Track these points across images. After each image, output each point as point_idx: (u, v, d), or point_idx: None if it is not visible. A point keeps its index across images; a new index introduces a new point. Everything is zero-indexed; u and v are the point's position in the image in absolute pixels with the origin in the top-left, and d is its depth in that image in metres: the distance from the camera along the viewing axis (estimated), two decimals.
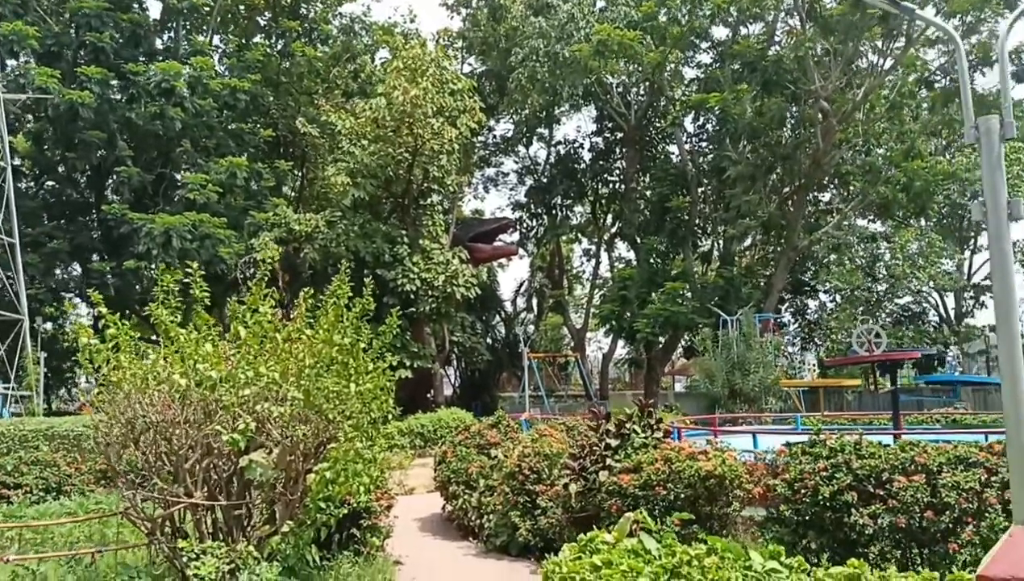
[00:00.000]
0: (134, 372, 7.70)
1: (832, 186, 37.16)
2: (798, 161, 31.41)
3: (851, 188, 35.02)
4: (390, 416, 8.81)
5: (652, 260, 34.39)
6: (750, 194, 30.38)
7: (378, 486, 8.78)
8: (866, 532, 7.38)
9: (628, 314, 32.16)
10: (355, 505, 8.23)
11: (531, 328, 47.57)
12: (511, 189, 43.17)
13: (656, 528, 7.24)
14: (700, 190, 34.63)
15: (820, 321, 38.49)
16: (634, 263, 38.57)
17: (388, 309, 8.84)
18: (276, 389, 8.11)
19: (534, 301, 46.99)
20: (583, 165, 40.47)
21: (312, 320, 8.73)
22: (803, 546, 7.76)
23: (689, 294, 31.71)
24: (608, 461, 8.92)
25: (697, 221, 35.08)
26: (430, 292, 28.38)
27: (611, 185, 40.72)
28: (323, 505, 7.54)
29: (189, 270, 8.17)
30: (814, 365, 23.30)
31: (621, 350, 47.97)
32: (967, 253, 40.21)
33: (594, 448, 9.20)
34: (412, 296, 28.16)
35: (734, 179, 30.83)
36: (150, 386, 7.62)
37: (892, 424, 12.94)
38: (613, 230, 42.73)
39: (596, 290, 43.00)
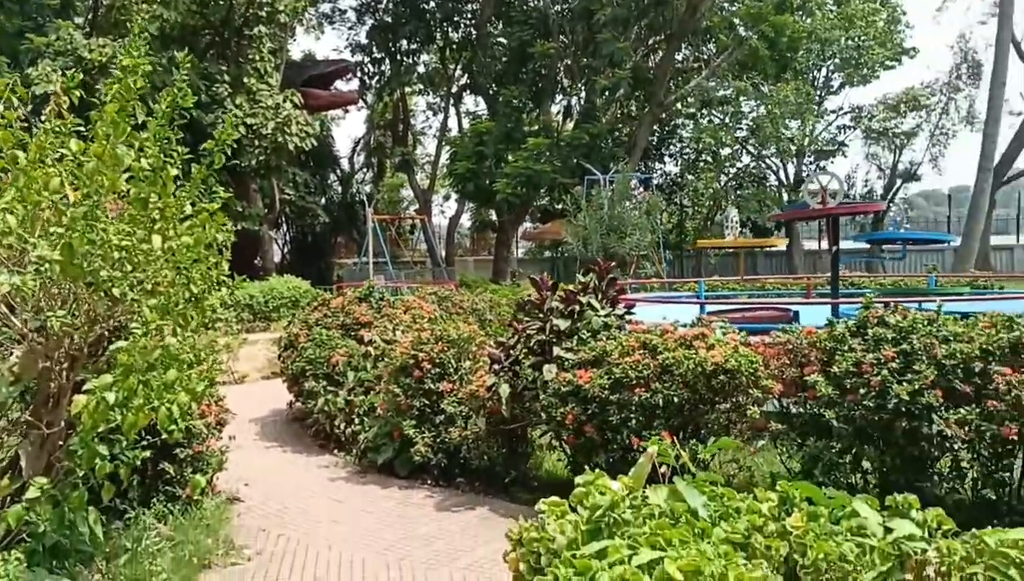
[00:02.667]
0: None
1: (687, 42, 35.16)
2: (672, 7, 28.81)
3: (712, 43, 33.17)
4: (223, 288, 5.53)
5: (509, 113, 31.19)
6: (621, 41, 27.59)
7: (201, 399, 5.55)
8: (947, 445, 5.13)
9: (485, 172, 29.15)
10: (166, 437, 4.96)
11: (369, 188, 43.61)
12: (350, 28, 37.89)
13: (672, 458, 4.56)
14: (563, 38, 31.45)
15: (680, 183, 37.26)
16: (486, 117, 35.28)
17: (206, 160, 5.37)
18: (15, 245, 4.60)
19: (374, 159, 42.82)
20: (432, 4, 35.92)
21: (84, 130, 5.14)
22: (852, 465, 5.44)
23: (548, 152, 29.06)
24: (556, 351, 6.13)
25: (559, 71, 32.04)
26: (257, 141, 24.03)
27: (463, 29, 36.56)
28: (103, 449, 4.26)
29: None
30: (737, 222, 21.61)
31: (465, 214, 45.31)
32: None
33: (529, 333, 6.36)
34: (235, 145, 23.64)
35: (604, 24, 27.88)
36: None
37: (831, 291, 11.04)
38: (463, 82, 38.88)
39: (444, 147, 39.39)
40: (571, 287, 6.48)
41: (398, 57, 36.44)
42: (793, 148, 35.99)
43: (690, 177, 38.47)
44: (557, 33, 30.77)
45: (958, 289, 13.22)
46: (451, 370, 7.16)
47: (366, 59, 37.15)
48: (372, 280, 11.26)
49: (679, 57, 34.80)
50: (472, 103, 42.20)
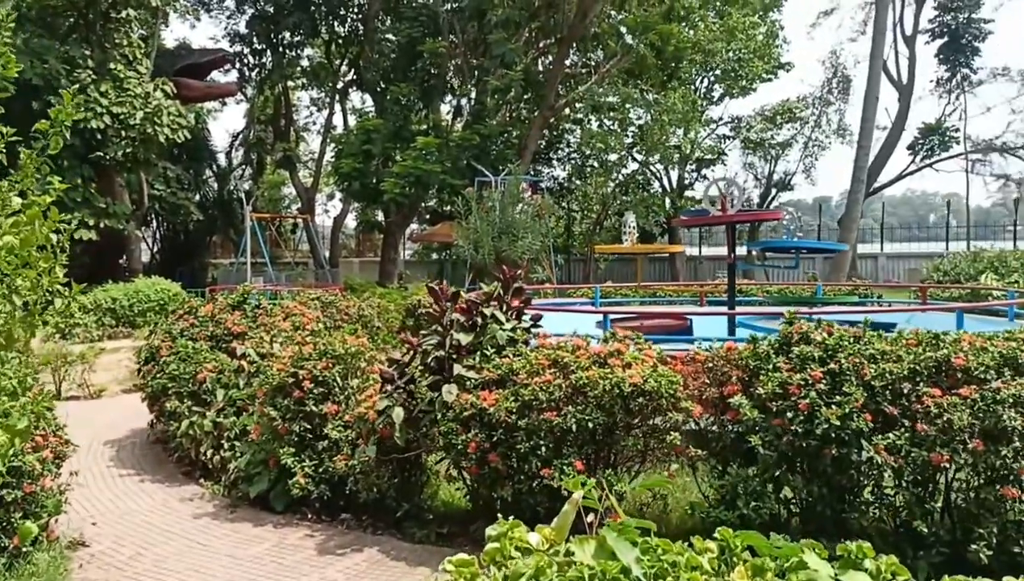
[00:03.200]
0: None
1: (576, 48, 35.25)
2: (563, 11, 28.68)
3: (602, 49, 33.36)
4: (57, 299, 4.60)
5: (397, 111, 30.29)
6: (513, 42, 27.25)
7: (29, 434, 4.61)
8: (873, 473, 4.80)
9: (373, 171, 28.17)
10: None
11: (248, 185, 41.64)
12: (228, 16, 35.93)
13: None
14: (453, 37, 30.83)
15: (568, 187, 37.29)
16: (373, 115, 34.22)
17: (68, 152, 4.45)
18: None
19: (253, 155, 40.84)
20: None
21: None
22: (774, 495, 5.03)
23: (437, 152, 28.37)
24: (457, 369, 5.48)
25: (449, 70, 31.39)
26: (124, 132, 22.32)
27: (349, 23, 35.31)
28: None
29: None
30: (634, 227, 21.34)
31: (350, 214, 43.95)
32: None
33: (427, 349, 5.69)
34: (99, 136, 21.97)
35: (495, 24, 27.46)
36: None
37: (728, 302, 10.85)
38: (349, 78, 37.60)
39: (329, 145, 37.93)
40: (471, 295, 5.85)
41: (280, 49, 34.84)
42: (677, 156, 36.64)
43: (577, 182, 38.65)
44: (447, 31, 30.13)
45: (844, 298, 13.45)
46: (336, 389, 6.39)
47: (246, 50, 35.39)
48: (247, 285, 10.28)
49: (569, 62, 34.85)
50: (359, 100, 41.08)
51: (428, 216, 33.42)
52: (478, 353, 5.65)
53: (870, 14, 39.72)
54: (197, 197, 36.07)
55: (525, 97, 32.26)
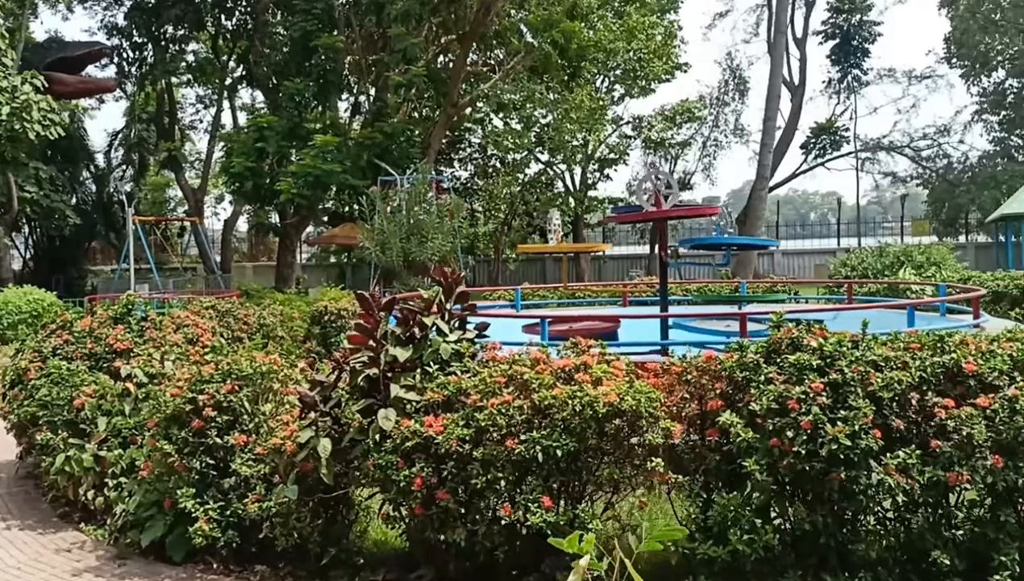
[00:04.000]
0: None
1: (478, 46, 34.57)
2: (464, 6, 27.89)
3: (505, 47, 32.77)
4: None
5: (292, 109, 28.80)
6: (414, 37, 26.27)
7: None
8: (886, 496, 4.21)
9: (267, 171, 26.63)
10: None
11: (130, 187, 39.10)
12: (105, 7, 33.50)
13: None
14: (350, 32, 29.56)
15: (470, 188, 36.54)
16: (266, 112, 32.51)
17: None
18: None
19: (134, 155, 38.34)
20: None
21: None
22: (768, 525, 4.36)
23: (336, 150, 27.06)
24: (394, 390, 4.60)
25: (347, 66, 30.12)
26: None
27: (237, 16, 33.43)
28: None
29: None
30: (559, 225, 20.62)
31: (243, 217, 41.96)
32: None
33: (356, 367, 4.79)
34: None
35: (395, 17, 26.39)
36: None
37: (660, 302, 10.32)
38: (238, 74, 35.68)
39: (217, 144, 35.84)
40: (415, 304, 4.98)
41: (163, 43, 32.61)
42: (580, 156, 36.45)
43: (480, 182, 37.96)
44: (344, 25, 28.86)
45: (768, 295, 13.22)
46: (245, 417, 5.39)
47: (125, 43, 33.01)
48: (132, 293, 9.05)
49: (472, 60, 34.03)
50: (248, 97, 39.18)
51: (327, 218, 31.98)
52: (418, 370, 4.79)
53: (762, 16, 40.79)
54: (74, 200, 33.63)
55: (428, 95, 31.30)
